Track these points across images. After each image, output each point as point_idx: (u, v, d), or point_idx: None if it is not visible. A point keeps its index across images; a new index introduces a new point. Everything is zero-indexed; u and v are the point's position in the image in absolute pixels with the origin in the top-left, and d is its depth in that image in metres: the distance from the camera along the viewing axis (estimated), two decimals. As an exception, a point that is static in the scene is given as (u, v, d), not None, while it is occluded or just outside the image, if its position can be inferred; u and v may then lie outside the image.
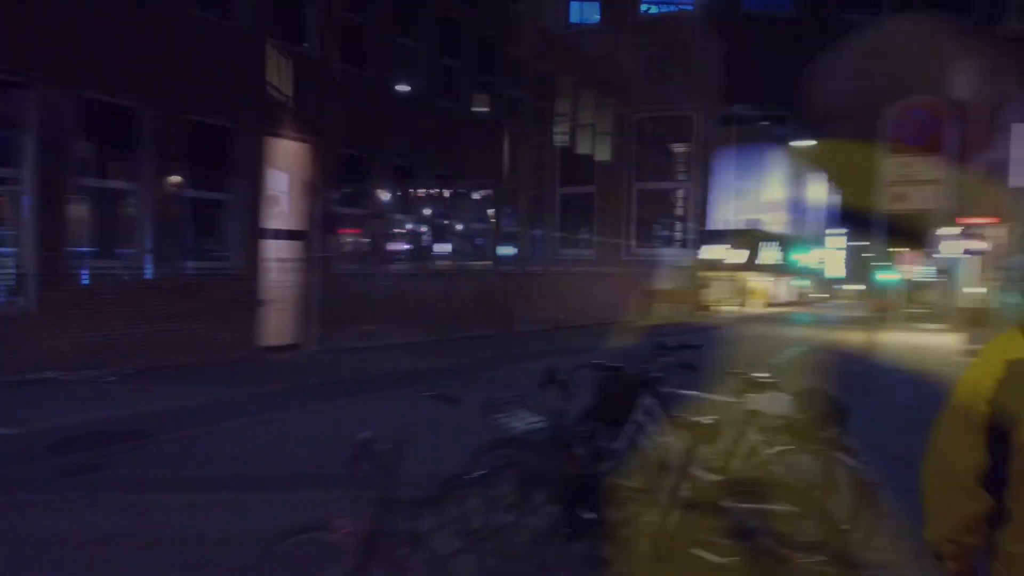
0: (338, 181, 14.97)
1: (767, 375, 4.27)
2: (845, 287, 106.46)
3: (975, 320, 21.74)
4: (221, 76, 12.45)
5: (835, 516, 2.83)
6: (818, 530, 2.91)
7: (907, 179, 7.26)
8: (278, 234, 13.90)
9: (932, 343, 23.43)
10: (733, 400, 4.29)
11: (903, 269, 44.63)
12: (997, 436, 1.68)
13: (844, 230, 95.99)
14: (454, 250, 18.78)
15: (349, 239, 15.86)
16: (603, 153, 27.26)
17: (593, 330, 23.82)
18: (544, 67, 22.42)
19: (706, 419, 3.06)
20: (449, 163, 18.35)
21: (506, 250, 21.15)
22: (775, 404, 3.90)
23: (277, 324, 13.84)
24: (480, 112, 19.76)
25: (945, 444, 1.82)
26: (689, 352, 4.79)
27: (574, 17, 24.22)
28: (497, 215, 20.55)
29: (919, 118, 7.18)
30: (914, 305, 45.42)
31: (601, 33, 26.51)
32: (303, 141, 14.20)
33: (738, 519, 3.38)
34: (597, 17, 25.98)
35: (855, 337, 26.68)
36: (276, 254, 13.85)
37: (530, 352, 16.28)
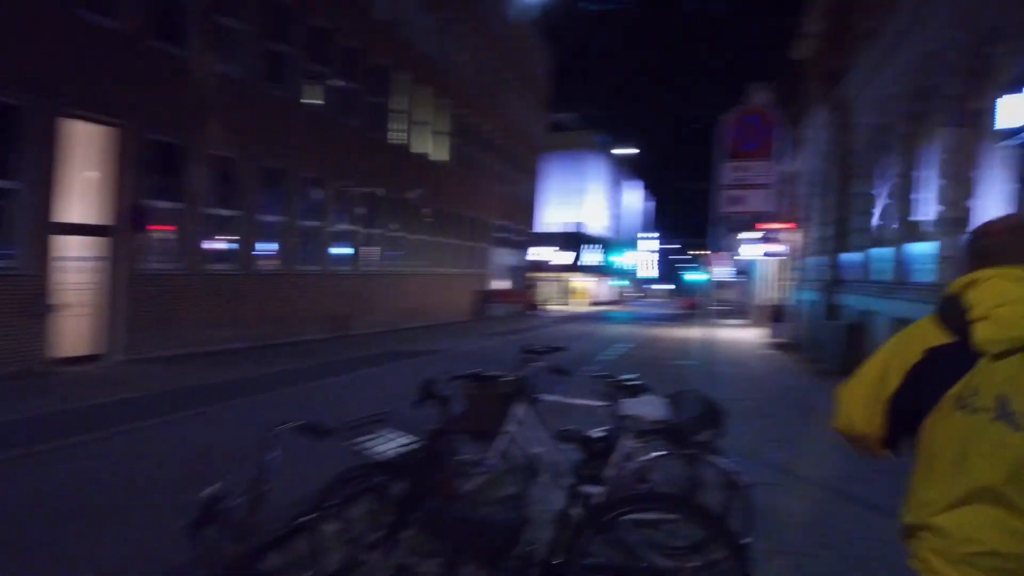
0: (149, 171, 13.45)
1: (635, 377, 4.20)
2: (656, 287, 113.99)
3: (774, 315, 24.01)
4: (5, 47, 10.71)
5: (728, 526, 2.75)
6: (711, 539, 2.81)
7: (743, 183, 7.65)
8: (77, 229, 12.22)
9: (738, 337, 25.62)
10: (605, 405, 4.18)
11: (710, 270, 48.61)
12: (897, 413, 1.84)
13: (656, 234, 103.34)
14: (282, 249, 17.64)
15: (161, 236, 14.32)
16: (440, 153, 27.00)
17: (432, 331, 23.64)
18: (379, 61, 21.75)
19: (597, 432, 2.87)
20: (278, 155, 17.22)
21: (340, 250, 20.26)
22: (650, 408, 3.82)
23: (74, 332, 12.15)
24: (312, 104, 18.75)
25: (848, 408, 1.94)
26: (557, 355, 4.64)
27: (411, 12, 23.71)
28: (330, 213, 19.61)
29: (753, 124, 7.60)
30: (717, 303, 49.61)
31: (438, 32, 26.20)
32: (108, 125, 12.59)
33: (629, 535, 3.25)
34: (435, 14, 25.64)
35: (673, 333, 28.68)
36: (74, 251, 12.16)
37: (367, 357, 15.68)
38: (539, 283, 49.08)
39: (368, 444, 3.35)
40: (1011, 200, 7.93)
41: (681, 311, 56.17)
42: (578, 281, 59.70)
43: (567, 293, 52.19)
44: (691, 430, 3.72)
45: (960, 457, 1.75)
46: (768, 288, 31.76)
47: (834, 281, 16.90)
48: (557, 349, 4.87)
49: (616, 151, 64.06)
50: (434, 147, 26.36)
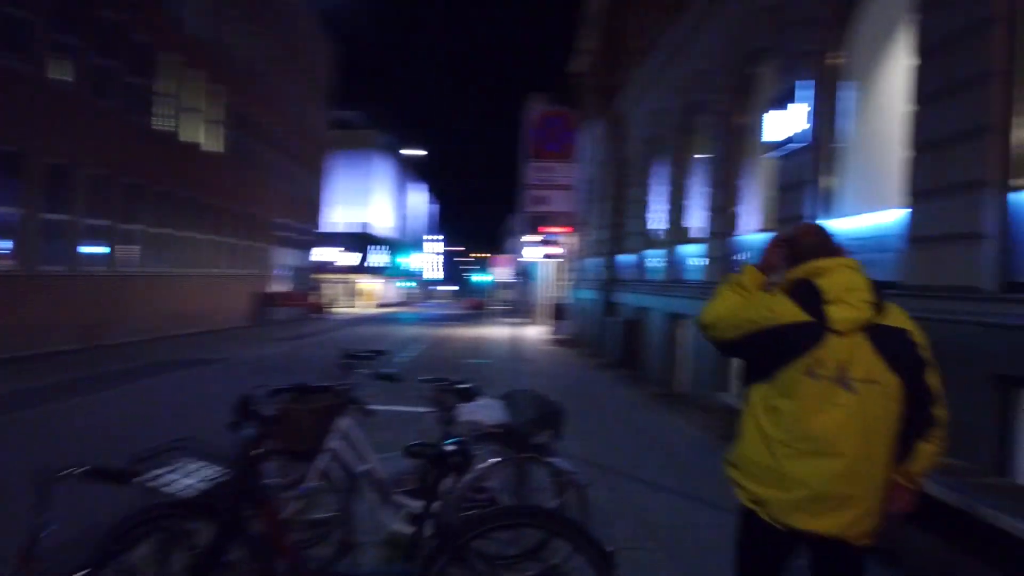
0: None
1: (465, 381, 3.99)
2: (441, 288, 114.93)
3: (556, 314, 25.21)
4: None
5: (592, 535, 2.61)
6: (576, 549, 2.66)
7: (547, 183, 7.73)
8: None
9: (522, 335, 26.57)
10: (435, 411, 3.91)
11: (494, 271, 50.04)
12: (751, 372, 2.40)
13: (440, 236, 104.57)
14: (19, 246, 15.07)
15: None
16: (213, 143, 24.82)
17: (206, 338, 21.59)
18: (142, 38, 19.45)
19: (449, 445, 2.59)
20: (14, 137, 14.69)
21: (93, 248, 17.77)
22: (487, 412, 3.62)
23: None
24: (60, 80, 16.24)
25: (718, 305, 2.49)
26: (381, 360, 4.28)
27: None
28: (81, 205, 17.12)
29: (555, 126, 7.72)
30: (500, 303, 51.29)
31: (213, 13, 24.06)
32: None
33: (487, 557, 3.03)
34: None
35: (462, 333, 29.04)
36: None
37: (129, 369, 13.88)
38: (324, 285, 47.30)
39: (166, 479, 2.75)
40: (770, 206, 8.86)
41: (467, 311, 57.33)
42: (364, 283, 58.51)
43: (353, 295, 50.81)
44: (529, 432, 3.58)
45: (802, 412, 2.20)
46: (548, 288, 33.32)
47: (611, 281, 18.06)
48: (379, 352, 4.51)
49: (403, 152, 63.66)
50: (206, 137, 24.19)
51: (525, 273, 41.36)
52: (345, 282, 53.89)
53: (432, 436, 3.51)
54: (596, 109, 19.03)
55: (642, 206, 15.31)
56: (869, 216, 6.62)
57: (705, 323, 2.48)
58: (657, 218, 14.73)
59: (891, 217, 6.16)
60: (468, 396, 3.74)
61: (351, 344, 21.89)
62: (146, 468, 2.75)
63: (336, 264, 48.47)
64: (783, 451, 2.21)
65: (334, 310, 46.58)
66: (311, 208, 40.36)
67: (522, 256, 38.99)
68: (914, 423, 2.28)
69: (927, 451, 2.30)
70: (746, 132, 9.87)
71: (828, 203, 7.32)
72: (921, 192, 5.66)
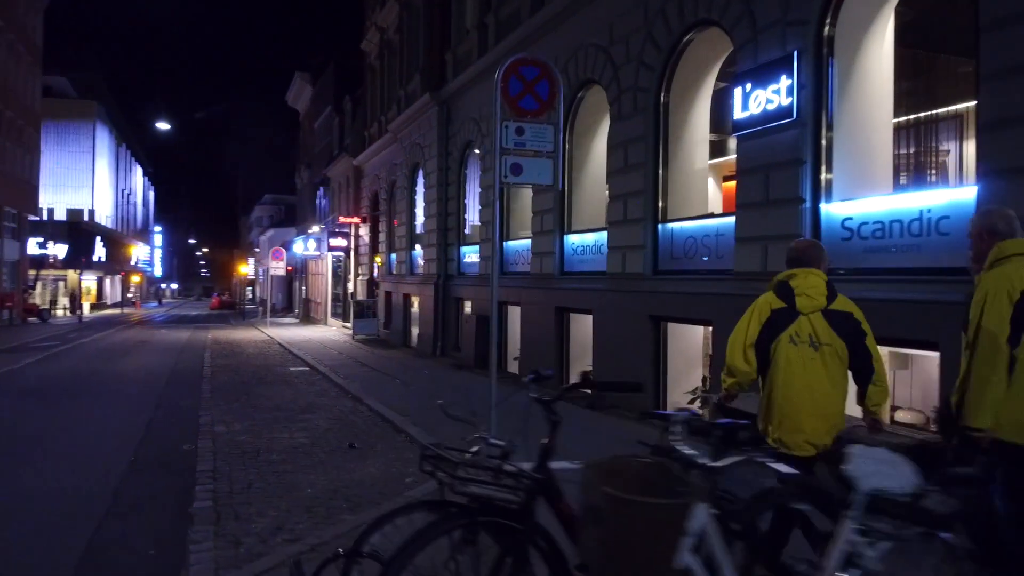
0: None
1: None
2: (173, 286, 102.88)
3: (358, 312, 23.15)
4: None
5: None
6: None
7: (523, 150, 6.36)
8: None
9: (314, 336, 24.06)
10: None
11: (261, 266, 45.38)
12: (761, 353, 3.58)
13: (159, 228, 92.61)
14: None
15: None
16: None
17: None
18: None
19: None
20: None
21: None
22: (895, 472, 2.35)
23: None
24: None
25: (731, 350, 3.68)
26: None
27: None
28: None
29: (532, 79, 6.36)
30: (261, 301, 46.87)
31: None
32: None
33: None
34: None
35: (237, 336, 25.47)
36: None
37: None
38: (39, 282, 39.29)
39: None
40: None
41: (215, 310, 51.80)
42: (87, 279, 49.83)
43: (75, 294, 42.74)
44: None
45: (790, 367, 3.48)
46: (341, 283, 30.83)
47: (447, 275, 16.78)
48: (633, 387, 3.09)
49: (128, 137, 55.48)
50: None
51: (298, 268, 38.02)
52: (65, 278, 45.35)
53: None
54: (424, 87, 17.51)
55: (490, 193, 14.27)
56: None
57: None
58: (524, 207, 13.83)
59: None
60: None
61: (110, 354, 18.21)
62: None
63: (57, 258, 40.38)
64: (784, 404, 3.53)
65: (54, 312, 38.84)
66: (24, 192, 33.08)
67: (293, 250, 35.75)
68: (863, 373, 3.53)
69: (874, 391, 3.53)
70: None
71: (819, 187, 6.94)
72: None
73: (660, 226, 9.29)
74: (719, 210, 10.50)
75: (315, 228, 31.57)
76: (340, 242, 27.81)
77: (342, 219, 26.88)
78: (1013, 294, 3.04)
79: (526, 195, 13.69)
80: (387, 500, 5.52)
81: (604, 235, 10.36)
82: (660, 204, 9.32)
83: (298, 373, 14.17)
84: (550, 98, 6.48)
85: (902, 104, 7.74)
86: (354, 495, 5.71)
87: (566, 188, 11.55)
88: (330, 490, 5.85)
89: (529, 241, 12.68)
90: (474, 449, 2.86)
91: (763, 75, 7.34)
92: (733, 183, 10.38)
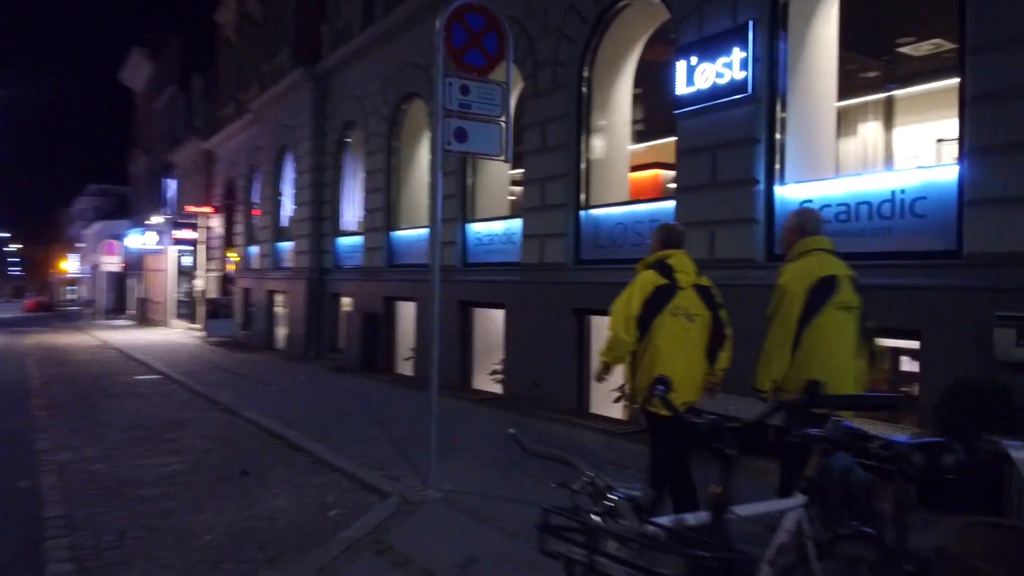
0: None
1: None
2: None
3: (211, 311, 20.85)
4: None
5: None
6: None
7: (468, 112, 5.38)
8: None
9: (160, 339, 21.42)
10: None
11: (101, 263, 40.29)
12: (642, 325, 3.94)
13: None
14: None
15: None
16: None
17: None
18: None
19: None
20: None
21: None
22: None
23: None
24: None
25: (615, 324, 3.99)
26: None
27: None
28: None
29: (478, 29, 5.39)
30: (86, 300, 41.91)
31: None
32: None
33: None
34: None
35: (64, 341, 22.14)
36: None
37: None
38: None
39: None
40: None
41: (31, 312, 46.00)
42: None
43: None
44: None
45: (672, 336, 3.93)
46: (190, 281, 27.86)
47: (322, 269, 15.25)
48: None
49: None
50: None
51: (137, 264, 34.11)
52: None
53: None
54: (295, 62, 15.78)
55: (380, 177, 13.00)
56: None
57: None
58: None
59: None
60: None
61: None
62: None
63: None
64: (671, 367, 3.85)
65: None
66: None
67: (133, 244, 31.97)
68: (717, 340, 4.06)
69: (724, 356, 4.09)
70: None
71: (774, 167, 6.47)
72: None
73: (583, 213, 8.60)
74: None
75: (157, 219, 28.36)
76: (188, 234, 25.07)
77: (191, 209, 24.20)
78: (808, 284, 3.71)
79: (419, 180, 12.59)
80: (315, 543, 4.34)
81: (517, 223, 9.53)
82: (582, 190, 8.63)
83: (148, 382, 12.19)
84: (498, 54, 5.54)
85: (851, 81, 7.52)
86: (269, 540, 4.47)
87: (469, 173, 10.63)
88: (235, 534, 4.56)
89: (426, 231, 11.59)
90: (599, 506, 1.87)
91: (712, 47, 6.79)
92: (640, 173, 10.22)
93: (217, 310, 20.76)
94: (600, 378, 4.22)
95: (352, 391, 10.45)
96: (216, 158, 23.99)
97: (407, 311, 12.49)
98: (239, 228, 21.36)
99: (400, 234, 12.58)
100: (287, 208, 17.46)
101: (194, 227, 25.07)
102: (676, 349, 3.91)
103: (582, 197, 8.60)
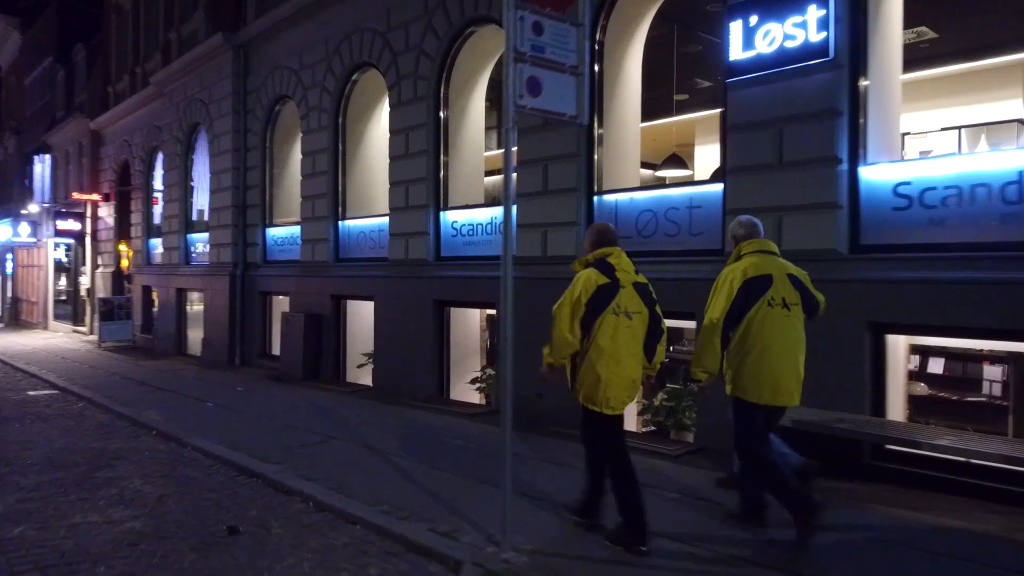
0: None
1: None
2: None
3: (105, 313, 18.29)
4: None
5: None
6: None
7: (542, 58, 4.20)
8: None
9: (41, 344, 18.65)
10: None
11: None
12: (585, 324, 4.03)
13: None
14: None
15: None
16: None
17: None
18: None
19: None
20: None
21: None
22: None
23: None
24: None
25: (560, 324, 4.05)
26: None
27: None
28: None
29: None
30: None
31: None
32: None
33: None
34: None
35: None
36: None
37: None
38: None
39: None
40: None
41: None
42: None
43: None
44: None
45: (614, 334, 4.00)
46: (63, 278, 24.67)
47: (248, 263, 13.41)
48: None
49: None
50: None
51: (3, 259, 30.11)
52: None
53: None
54: (211, 28, 13.75)
55: (324, 158, 11.40)
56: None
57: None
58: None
59: None
60: None
61: None
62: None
63: None
64: (612, 366, 4.10)
65: None
66: None
67: (2, 235, 28.12)
68: (655, 335, 4.22)
69: (660, 350, 4.27)
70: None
71: (856, 143, 5.61)
72: None
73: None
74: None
75: (31, 208, 24.95)
76: (72, 225, 22.09)
77: (77, 196, 21.27)
78: (735, 283, 4.13)
79: (375, 161, 11.10)
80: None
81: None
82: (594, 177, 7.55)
83: (47, 398, 10.14)
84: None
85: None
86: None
87: (444, 160, 9.34)
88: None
89: (384, 220, 10.16)
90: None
91: (778, 5, 5.85)
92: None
93: (113, 311, 18.24)
94: (546, 378, 4.28)
95: (309, 406, 8.92)
96: (104, 139, 21.26)
97: (360, 311, 11.02)
98: (136, 218, 18.90)
99: (351, 224, 11.05)
100: (200, 195, 15.38)
101: (80, 217, 22.16)
102: (619, 346, 4.02)
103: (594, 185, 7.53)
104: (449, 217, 9.25)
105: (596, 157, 7.48)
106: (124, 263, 20.29)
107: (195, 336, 15.58)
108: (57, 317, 25.42)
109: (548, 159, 7.71)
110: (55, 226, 22.09)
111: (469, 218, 8.99)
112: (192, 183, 15.69)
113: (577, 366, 4.11)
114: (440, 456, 6.25)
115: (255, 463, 6.12)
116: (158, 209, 18.14)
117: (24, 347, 18.02)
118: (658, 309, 4.23)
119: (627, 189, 7.41)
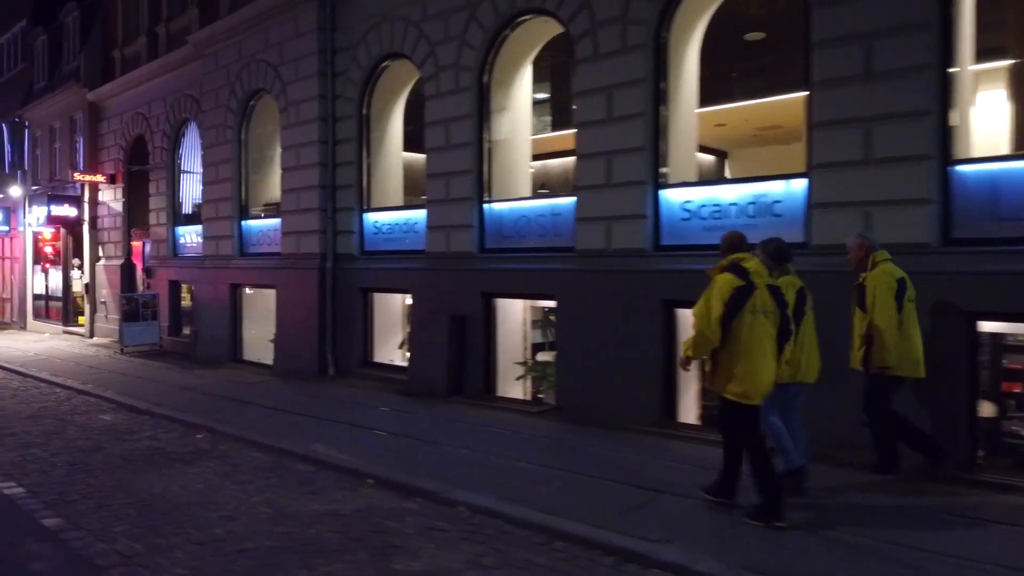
0: None
1: None
2: None
3: (127, 313, 15.81)
4: None
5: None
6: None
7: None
8: None
9: (50, 347, 16.09)
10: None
11: None
12: (724, 323, 4.41)
13: None
14: None
15: None
16: None
17: None
18: None
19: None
20: None
21: None
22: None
23: None
24: None
25: (701, 323, 4.44)
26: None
27: None
28: None
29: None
30: None
31: None
32: None
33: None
34: None
35: None
36: None
37: None
38: None
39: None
40: None
41: None
42: None
43: None
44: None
45: (751, 328, 4.37)
46: (42, 271, 21.78)
47: (338, 255, 11.31)
48: None
49: None
50: None
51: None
52: None
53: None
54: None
55: (461, 127, 9.42)
56: None
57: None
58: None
59: None
60: None
61: None
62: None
63: None
64: (753, 361, 4.47)
65: None
66: None
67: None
68: (785, 335, 4.54)
69: (788, 349, 4.59)
70: None
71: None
72: None
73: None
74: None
75: (16, 191, 21.90)
76: (67, 211, 19.35)
77: (79, 176, 18.51)
78: (892, 285, 5.03)
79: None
80: None
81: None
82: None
83: (137, 425, 7.99)
84: None
85: None
86: None
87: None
88: None
89: (562, 202, 8.27)
90: None
91: None
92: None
93: (136, 311, 15.80)
94: (685, 368, 4.92)
95: (513, 435, 7.04)
96: (106, 112, 18.61)
97: (509, 311, 9.15)
98: (156, 203, 16.45)
99: (502, 207, 9.13)
100: (268, 173, 13.16)
101: (76, 202, 19.43)
102: (756, 342, 4.40)
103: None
104: (672, 196, 7.47)
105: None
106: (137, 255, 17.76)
107: (252, 339, 13.40)
108: (38, 317, 22.57)
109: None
110: (49, 212, 19.28)
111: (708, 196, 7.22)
112: (246, 160, 13.43)
113: (717, 362, 4.51)
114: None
115: (595, 532, 4.28)
116: (187, 191, 15.78)
117: (22, 352, 15.49)
118: (789, 311, 4.61)
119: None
